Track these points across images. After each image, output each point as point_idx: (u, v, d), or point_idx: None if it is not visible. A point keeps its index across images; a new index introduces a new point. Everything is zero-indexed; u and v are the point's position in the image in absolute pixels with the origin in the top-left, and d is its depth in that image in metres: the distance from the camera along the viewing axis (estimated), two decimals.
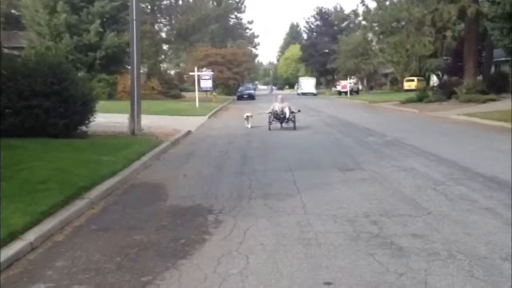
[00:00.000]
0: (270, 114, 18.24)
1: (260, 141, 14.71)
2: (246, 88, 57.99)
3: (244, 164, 10.53)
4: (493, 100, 28.56)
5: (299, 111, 18.65)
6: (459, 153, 11.43)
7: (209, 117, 25.52)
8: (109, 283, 4.31)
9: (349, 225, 5.85)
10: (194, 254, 5.01)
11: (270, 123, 17.97)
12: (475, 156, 11.05)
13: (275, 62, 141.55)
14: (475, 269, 4.39)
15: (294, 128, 17.73)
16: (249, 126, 18.91)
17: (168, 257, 4.94)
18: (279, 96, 19.38)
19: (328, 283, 4.17)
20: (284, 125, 18.34)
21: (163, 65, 61.53)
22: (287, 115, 18.03)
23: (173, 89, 49.21)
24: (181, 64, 68.13)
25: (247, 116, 19.32)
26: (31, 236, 5.25)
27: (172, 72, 70.55)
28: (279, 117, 18.07)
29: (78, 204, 6.70)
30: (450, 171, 9.20)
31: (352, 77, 65.50)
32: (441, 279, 4.19)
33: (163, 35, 55.03)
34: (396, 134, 15.70)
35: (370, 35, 47.50)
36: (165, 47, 57.56)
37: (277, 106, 18.37)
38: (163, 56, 58.98)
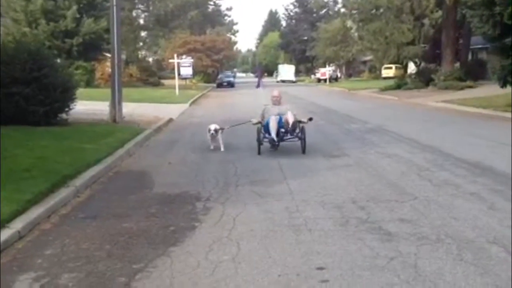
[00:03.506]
0: (259, 126, 10.35)
1: (242, 130, 14.69)
2: (226, 76, 57.73)
3: (229, 151, 10.51)
4: (470, 87, 29.02)
5: (310, 119, 10.55)
6: (440, 139, 11.58)
7: (190, 105, 25.40)
8: (100, 271, 4.27)
9: (337, 211, 5.89)
10: (184, 241, 5.00)
11: (259, 141, 10.01)
12: (456, 142, 11.22)
13: (254, 49, 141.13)
14: (463, 253, 4.47)
15: (304, 151, 9.89)
16: (212, 147, 10.75)
17: (158, 245, 4.91)
18: (275, 93, 10.87)
19: (321, 268, 4.20)
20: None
21: (142, 52, 60.87)
22: (290, 120, 9.93)
23: (152, 77, 48.73)
24: (159, 51, 67.45)
25: (214, 131, 10.62)
26: (18, 224, 5.17)
27: (151, 59, 69.85)
28: (276, 132, 9.96)
29: (64, 192, 6.61)
30: (433, 157, 9.32)
31: (331, 64, 65.72)
32: (431, 263, 4.25)
33: (141, 21, 54.40)
34: (377, 121, 15.83)
35: (349, 23, 47.65)
36: (143, 34, 56.95)
37: (271, 111, 10.38)
38: (141, 43, 58.33)
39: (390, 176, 7.76)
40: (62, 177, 7.09)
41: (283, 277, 4.06)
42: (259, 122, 10.43)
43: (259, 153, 9.91)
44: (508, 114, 17.10)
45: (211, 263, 4.39)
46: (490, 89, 24.02)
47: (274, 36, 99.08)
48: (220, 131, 10.75)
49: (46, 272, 4.26)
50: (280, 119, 10.00)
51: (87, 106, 17.37)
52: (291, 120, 9.91)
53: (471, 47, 37.03)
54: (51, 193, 6.45)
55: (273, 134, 9.86)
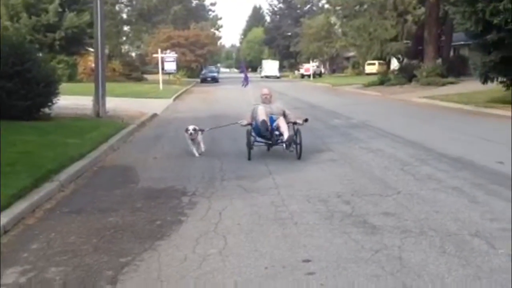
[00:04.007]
0: (249, 128, 9.24)
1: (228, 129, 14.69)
2: (210, 71, 57.51)
3: (214, 146, 10.51)
4: (452, 83, 29.34)
5: (306, 120, 9.36)
6: (423, 134, 11.72)
7: (174, 100, 25.31)
8: (87, 264, 4.27)
9: (322, 205, 5.95)
10: (171, 235, 5.02)
11: (249, 145, 8.94)
12: (439, 137, 11.37)
13: (238, 44, 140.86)
14: (446, 245, 4.55)
15: (299, 156, 8.81)
16: (195, 152, 9.53)
17: (145, 239, 4.92)
18: (265, 91, 9.67)
19: (307, 261, 4.26)
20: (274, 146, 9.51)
21: (124, 47, 60.33)
22: (284, 132, 8.91)
23: (135, 71, 48.40)
24: (143, 46, 66.96)
25: (193, 130, 9.52)
26: (2, 219, 5.13)
27: (133, 54, 69.30)
28: (267, 134, 8.97)
29: (48, 187, 6.58)
30: (416, 152, 9.44)
31: (315, 60, 65.89)
32: (415, 255, 4.33)
33: (124, 16, 53.91)
34: (361, 116, 15.94)
35: (333, 19, 47.83)
36: (126, 28, 56.44)
37: (261, 111, 9.11)
38: (124, 38, 57.81)
39: (374, 171, 7.85)
40: (46, 172, 7.05)
41: (270, 269, 4.10)
42: (249, 124, 9.24)
43: (249, 158, 8.83)
44: (488, 110, 17.36)
45: (199, 257, 4.41)
46: (471, 85, 24.32)
47: (258, 32, 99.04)
48: (199, 132, 9.64)
49: (33, 266, 4.25)
50: (272, 121, 8.98)
51: (70, 100, 17.19)
52: (284, 129, 8.88)
53: (453, 43, 37.44)
54: (35, 188, 6.41)
55: (261, 117, 8.89)
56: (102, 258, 4.42)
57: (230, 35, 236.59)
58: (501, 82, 18.36)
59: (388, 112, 18.57)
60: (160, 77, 33.24)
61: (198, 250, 4.58)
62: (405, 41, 38.90)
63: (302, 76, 61.52)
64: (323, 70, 68.51)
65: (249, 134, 9.06)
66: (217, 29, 77.24)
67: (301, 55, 67.77)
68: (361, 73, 53.39)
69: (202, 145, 9.67)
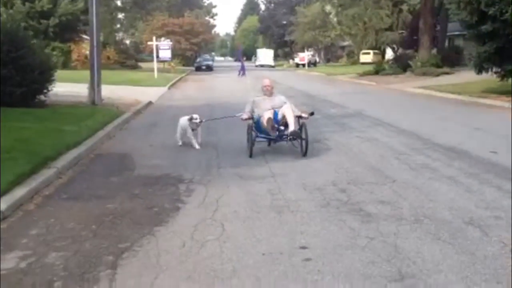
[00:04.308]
0: (250, 123, 8.36)
1: (223, 111, 14.71)
2: (204, 59, 57.34)
3: (209, 134, 10.53)
4: (447, 73, 29.43)
5: (312, 114, 8.72)
6: (418, 124, 11.80)
7: (169, 88, 25.24)
8: (87, 250, 4.32)
9: (318, 193, 6.01)
10: (169, 222, 5.06)
11: (251, 141, 8.17)
12: (433, 127, 11.44)
13: (233, 33, 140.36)
14: (441, 233, 4.63)
15: (305, 153, 8.09)
16: (195, 143, 9.07)
17: (143, 225, 4.96)
18: (266, 82, 8.93)
19: (304, 247, 4.32)
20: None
21: (119, 35, 59.98)
22: (291, 123, 8.17)
23: (130, 59, 48.16)
24: (137, 34, 66.59)
25: (198, 121, 9.12)
26: (2, 205, 5.16)
27: (128, 42, 68.93)
28: (273, 133, 8.28)
29: (46, 174, 6.59)
30: (411, 141, 9.51)
31: (310, 49, 65.80)
32: (410, 242, 4.40)
33: (118, 3, 53.51)
34: (356, 106, 16.00)
35: (328, 7, 47.74)
36: (120, 15, 56.10)
37: (263, 105, 8.52)
38: (118, 25, 57.47)
39: (369, 160, 7.92)
40: (43, 159, 7.06)
41: (267, 255, 4.16)
42: (250, 118, 8.45)
43: (250, 155, 8.04)
44: (482, 100, 17.46)
45: (197, 243, 4.47)
46: (466, 76, 24.41)
47: (253, 20, 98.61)
48: (197, 122, 9.09)
49: (33, 252, 4.29)
50: (276, 114, 8.32)
51: (65, 88, 17.11)
52: (289, 118, 8.16)
53: (448, 33, 37.49)
54: (33, 174, 6.43)
55: (267, 115, 8.17)
56: (102, 243, 4.47)
57: (225, 23, 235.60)
58: (495, 73, 18.45)
59: (383, 102, 18.63)
60: (155, 65, 33.08)
61: (196, 236, 4.64)
62: (400, 31, 38.99)
63: (297, 65, 61.48)
64: (318, 59, 68.44)
65: (250, 129, 8.24)
66: (212, 17, 77.07)
67: (296, 44, 67.63)
68: (356, 62, 53.38)
69: (199, 137, 9.27)
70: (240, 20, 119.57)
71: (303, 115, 8.50)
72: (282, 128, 8.24)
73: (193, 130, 9.07)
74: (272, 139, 8.55)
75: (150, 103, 17.22)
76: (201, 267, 3.97)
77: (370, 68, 37.23)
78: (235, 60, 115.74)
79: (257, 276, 3.77)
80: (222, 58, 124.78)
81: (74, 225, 4.96)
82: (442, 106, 16.76)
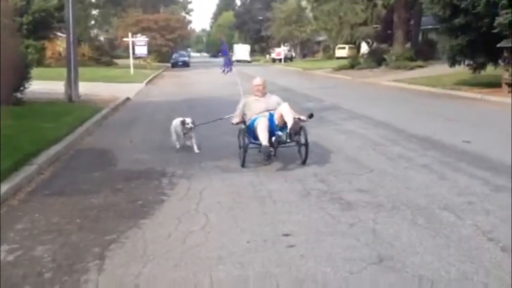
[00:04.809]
0: (242, 127, 7.52)
1: (203, 108, 14.79)
2: (181, 55, 57.04)
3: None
4: (420, 66, 29.90)
5: (311, 116, 7.52)
6: (393, 116, 12.05)
7: (146, 84, 25.20)
8: (73, 243, 4.39)
9: (299, 184, 6.16)
10: (154, 214, 5.16)
11: (243, 147, 7.21)
12: (408, 118, 11.72)
13: (208, 28, 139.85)
14: (417, 218, 4.82)
15: (305, 160, 7.19)
16: (195, 147, 8.38)
17: (128, 218, 5.05)
18: (257, 81, 7.84)
19: (287, 235, 4.46)
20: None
21: (93, 31, 59.31)
22: (289, 120, 7.00)
23: (105, 56, 47.69)
24: (111, 30, 65.92)
25: (190, 125, 8.34)
26: None
27: (102, 38, 68.20)
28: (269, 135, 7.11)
29: (28, 170, 6.61)
30: (386, 132, 9.74)
31: (286, 44, 66.02)
32: (388, 228, 4.58)
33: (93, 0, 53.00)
34: (333, 99, 16.23)
35: (304, 3, 47.95)
36: (94, 12, 55.52)
37: (255, 107, 7.58)
38: (93, 22, 56.86)
39: (347, 151, 8.11)
40: (24, 155, 7.07)
41: (251, 243, 4.29)
42: (242, 122, 7.52)
43: (243, 164, 7.06)
44: (455, 92, 17.85)
45: (182, 233, 4.57)
46: (439, 69, 24.87)
47: (228, 16, 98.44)
48: (188, 127, 8.31)
49: (20, 245, 4.34)
50: (272, 117, 7.22)
51: (41, 85, 16.95)
52: (288, 117, 6.97)
53: (421, 27, 38.01)
54: (15, 170, 6.44)
55: (262, 138, 6.92)
56: (88, 236, 4.55)
57: (200, 19, 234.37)
58: (468, 65, 18.88)
59: (359, 95, 18.91)
60: (131, 61, 32.93)
61: (181, 227, 4.74)
62: (374, 26, 39.35)
63: (274, 60, 61.66)
64: (294, 54, 68.71)
65: (243, 135, 7.31)
66: (188, 13, 76.67)
67: (272, 39, 67.75)
68: (332, 57, 53.70)
69: (194, 143, 8.33)
70: (216, 16, 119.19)
71: (302, 117, 7.29)
72: (280, 133, 7.01)
73: (184, 134, 8.41)
74: (271, 152, 7.16)
75: (127, 99, 17.20)
76: (187, 255, 4.08)
77: (345, 62, 37.58)
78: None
79: (243, 263, 3.90)
80: (198, 54, 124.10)
81: (59, 219, 5.02)
82: (416, 98, 17.10)
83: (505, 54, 16.20)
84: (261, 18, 72.03)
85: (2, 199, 5.49)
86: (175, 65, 51.88)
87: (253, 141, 7.32)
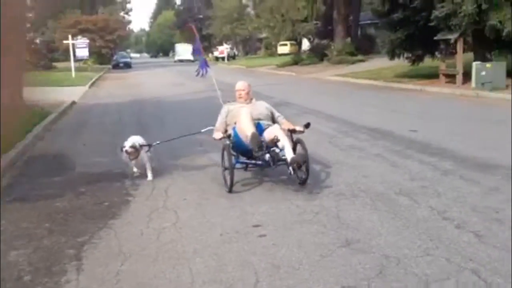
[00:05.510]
0: (226, 143, 6.05)
1: (154, 108, 14.76)
2: (122, 56, 56.09)
3: (143, 130, 10.57)
4: (361, 61, 30.83)
5: (307, 125, 6.32)
6: (341, 109, 12.49)
7: (90, 87, 24.71)
8: (46, 246, 4.41)
9: (262, 178, 6.36)
10: (122, 214, 5.22)
11: (230, 168, 5.71)
12: (355, 111, 12.18)
13: (148, 29, 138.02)
14: (376, 203, 5.12)
15: (305, 180, 5.81)
16: (137, 171, 6.76)
17: (97, 219, 5.09)
18: (240, 86, 6.78)
19: (257, 225, 4.65)
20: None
21: (29, 34, 57.31)
22: (286, 147, 5.79)
23: (43, 59, 46.24)
24: (47, 33, 63.92)
25: (130, 149, 6.49)
26: None
27: (38, 41, 66.01)
28: (261, 152, 5.69)
29: None
30: (338, 126, 10.10)
31: (228, 42, 66.16)
32: (351, 213, 4.85)
33: (28, 1, 51.16)
34: (281, 95, 16.54)
35: (244, 0, 48.24)
36: (29, 14, 53.63)
37: (242, 116, 6.06)
38: (28, 25, 54.91)
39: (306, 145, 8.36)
40: None
41: (224, 236, 4.46)
42: (227, 136, 6.10)
43: (230, 190, 5.71)
44: (396, 85, 18.60)
45: (154, 231, 4.68)
46: (379, 62, 25.75)
47: (168, 15, 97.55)
48: (144, 149, 6.68)
49: None
50: (260, 127, 6.09)
51: None
52: (285, 142, 5.81)
53: (360, 23, 39.14)
54: None
55: (248, 129, 5.84)
56: (60, 239, 4.57)
57: (139, 19, 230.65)
58: (407, 58, 19.69)
59: (305, 91, 19.35)
60: (72, 64, 32.16)
61: (152, 225, 4.84)
62: (315, 22, 40.23)
63: (217, 58, 61.63)
64: (236, 52, 68.94)
65: (228, 152, 5.86)
66: (127, 13, 75.38)
67: (215, 37, 67.74)
68: (274, 54, 54.31)
69: (148, 167, 6.62)
70: (156, 15, 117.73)
71: (297, 128, 6.24)
72: (273, 149, 5.79)
73: (133, 159, 6.58)
74: (260, 164, 6.00)
75: (73, 102, 16.88)
76: (164, 251, 4.19)
77: (288, 59, 38.14)
78: (151, 57, 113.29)
79: (219, 254, 4.06)
80: (138, 55, 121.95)
81: (27, 224, 5.00)
82: (360, 91, 17.70)
83: (442, 46, 17.01)
84: (201, 16, 71.88)
85: None
86: (116, 66, 50.99)
87: (239, 160, 6.13)
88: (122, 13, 71.24)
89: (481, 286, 3.30)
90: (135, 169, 6.76)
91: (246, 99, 6.63)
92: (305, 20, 38.82)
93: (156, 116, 12.96)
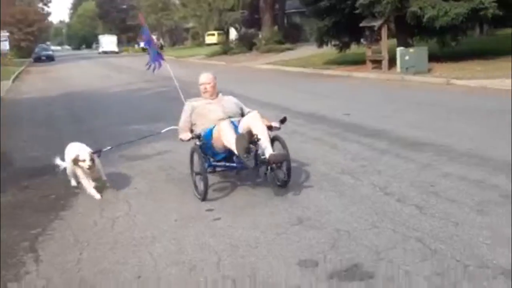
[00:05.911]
0: (195, 146, 5.25)
1: (84, 101, 14.43)
2: (44, 49, 53.86)
3: (78, 122, 10.42)
4: (290, 49, 31.39)
5: (283, 120, 5.73)
6: (276, 97, 12.78)
7: (13, 82, 23.69)
8: (1, 241, 4.34)
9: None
10: (73, 206, 5.21)
11: (201, 173, 5.02)
12: (289, 98, 12.52)
13: (68, 20, 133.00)
14: (322, 183, 5.38)
15: (287, 182, 5.16)
16: (94, 193, 5.38)
17: (47, 211, 5.06)
18: (203, 79, 5.92)
19: (210, 210, 4.79)
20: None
21: None
22: (264, 141, 5.10)
23: None
24: None
25: (90, 162, 5.33)
26: None
27: None
28: (243, 158, 4.89)
29: None
30: (275, 112, 10.30)
31: (154, 33, 65.06)
32: (299, 193, 5.07)
33: None
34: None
35: None
36: None
37: (210, 113, 5.53)
38: None
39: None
40: None
41: (180, 221, 4.57)
42: (197, 137, 5.31)
43: (204, 198, 5.00)
44: (325, 71, 19.17)
45: (108, 220, 4.72)
46: (307, 50, 26.38)
47: (90, 5, 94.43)
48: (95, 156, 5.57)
49: None
50: (235, 126, 5.30)
51: None
52: (260, 131, 5.16)
53: (285, 11, 39.76)
54: None
55: (229, 137, 4.99)
56: (12, 232, 4.52)
57: (58, 10, 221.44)
58: (334, 45, 20.29)
59: (237, 79, 19.47)
60: None
61: (105, 214, 4.87)
62: (241, 11, 40.41)
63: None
64: (163, 43, 67.94)
65: (199, 154, 5.12)
66: (45, 4, 72.30)
67: (139, 28, 66.33)
68: (202, 44, 54.09)
69: (103, 174, 5.78)
70: (76, 6, 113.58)
71: (273, 124, 5.61)
72: (251, 146, 5.11)
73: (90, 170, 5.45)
74: (234, 167, 5.39)
75: None
76: (121, 239, 4.25)
77: (217, 48, 38.20)
78: (73, 49, 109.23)
79: (177, 238, 4.17)
80: (59, 48, 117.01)
81: None
82: (291, 78, 18.12)
83: (367, 33, 17.68)
84: (125, 6, 70.27)
85: None
86: (38, 59, 48.91)
87: (213, 162, 5.40)
88: (40, 4, 68.25)
89: (426, 252, 3.61)
90: (75, 183, 5.73)
91: (212, 94, 5.78)
92: (232, 9, 38.90)
93: (88, 108, 12.71)
